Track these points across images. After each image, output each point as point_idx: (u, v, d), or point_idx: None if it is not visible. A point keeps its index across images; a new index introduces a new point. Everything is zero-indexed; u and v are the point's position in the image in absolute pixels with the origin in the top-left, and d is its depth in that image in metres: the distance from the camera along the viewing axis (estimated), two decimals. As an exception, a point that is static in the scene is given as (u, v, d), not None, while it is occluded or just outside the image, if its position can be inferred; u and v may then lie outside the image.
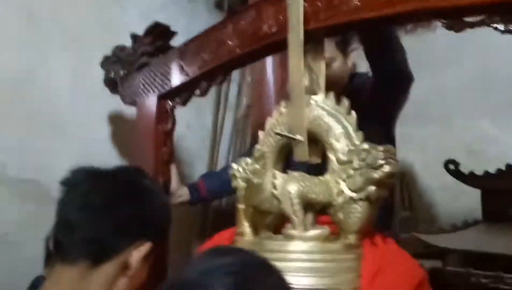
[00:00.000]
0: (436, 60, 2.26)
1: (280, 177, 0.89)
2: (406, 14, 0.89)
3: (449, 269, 1.21)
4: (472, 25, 0.84)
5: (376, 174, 0.82)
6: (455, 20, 0.85)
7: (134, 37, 1.55)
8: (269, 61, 1.86)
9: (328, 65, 1.41)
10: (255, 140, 1.84)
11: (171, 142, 1.43)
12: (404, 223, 1.85)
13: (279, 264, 0.67)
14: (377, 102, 1.29)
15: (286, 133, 0.95)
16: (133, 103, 1.53)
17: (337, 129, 0.91)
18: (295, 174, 0.89)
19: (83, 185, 0.88)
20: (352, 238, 0.85)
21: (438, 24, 0.88)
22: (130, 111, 1.75)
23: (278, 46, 1.09)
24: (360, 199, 0.84)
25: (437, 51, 2.26)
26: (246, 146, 2.20)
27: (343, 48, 1.47)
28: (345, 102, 0.93)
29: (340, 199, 0.87)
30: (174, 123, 1.43)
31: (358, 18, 0.93)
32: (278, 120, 1.02)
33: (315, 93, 0.97)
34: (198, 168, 2.28)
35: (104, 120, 1.96)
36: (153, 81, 1.44)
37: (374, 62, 1.28)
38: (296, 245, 0.83)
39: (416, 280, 0.79)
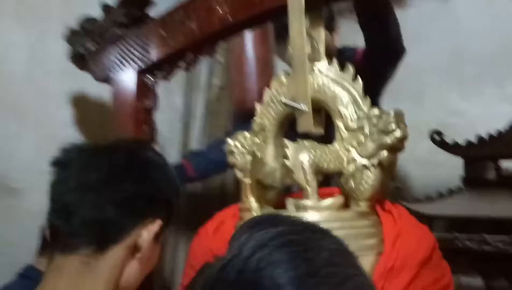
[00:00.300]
0: (407, 38, 2.31)
1: (291, 147, 0.86)
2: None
3: (436, 235, 1.25)
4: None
5: (389, 139, 0.82)
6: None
7: (106, 8, 1.46)
8: (248, 38, 1.82)
9: None
10: (238, 118, 1.83)
11: (153, 120, 1.37)
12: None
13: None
14: (368, 74, 1.29)
15: (292, 103, 0.92)
16: (106, 79, 1.44)
17: (344, 96, 0.89)
18: (306, 142, 0.87)
19: (77, 162, 0.81)
20: (363, 206, 0.84)
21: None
22: (97, 89, 1.67)
23: (274, 13, 1.06)
24: (373, 166, 0.84)
25: (408, 30, 2.31)
26: (221, 128, 2.16)
27: (329, 24, 1.48)
28: (350, 68, 0.91)
29: (351, 167, 0.86)
30: (156, 100, 1.37)
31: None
32: (279, 91, 0.99)
33: (317, 61, 0.95)
34: (168, 152, 2.21)
35: (67, 101, 1.85)
36: (130, 55, 1.36)
37: (369, 32, 1.28)
38: (311, 216, 0.81)
39: (432, 242, 0.80)
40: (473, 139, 1.51)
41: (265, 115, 1.01)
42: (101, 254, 0.76)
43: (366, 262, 0.74)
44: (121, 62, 1.39)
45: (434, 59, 2.28)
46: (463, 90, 2.21)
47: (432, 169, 2.06)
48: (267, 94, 1.01)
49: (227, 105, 2.07)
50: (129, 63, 1.37)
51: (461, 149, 1.48)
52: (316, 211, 0.83)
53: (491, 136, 1.51)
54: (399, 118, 0.83)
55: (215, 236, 0.88)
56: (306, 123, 0.93)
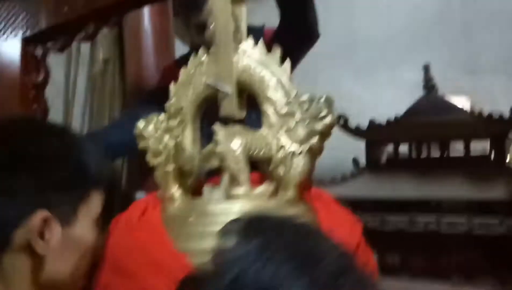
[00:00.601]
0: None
1: (221, 132, 0.81)
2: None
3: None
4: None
5: (320, 125, 0.81)
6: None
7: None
8: (145, 10, 1.70)
9: None
10: (136, 97, 1.71)
11: (44, 97, 1.20)
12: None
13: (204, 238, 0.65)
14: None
15: (217, 84, 0.86)
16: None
17: (271, 80, 0.86)
18: (237, 128, 0.83)
19: None
20: (293, 193, 0.83)
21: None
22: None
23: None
24: (302, 152, 0.82)
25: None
26: (106, 106, 2.00)
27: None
28: (277, 51, 0.88)
29: (280, 154, 0.83)
30: (47, 74, 1.20)
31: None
32: (198, 70, 0.92)
33: (239, 42, 0.91)
34: None
35: None
36: (14, 19, 1.18)
37: (288, 14, 1.26)
38: (242, 204, 0.78)
39: (360, 228, 0.82)
40: (366, 122, 1.62)
41: (182, 96, 0.93)
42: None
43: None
44: (3, 28, 1.19)
45: (328, 43, 2.38)
46: (355, 74, 2.34)
47: (329, 152, 2.16)
48: (184, 73, 0.94)
49: (113, 81, 1.92)
50: (13, 30, 1.18)
51: (363, 132, 1.56)
52: (247, 199, 0.79)
53: (389, 121, 1.62)
54: (329, 103, 0.83)
55: (140, 226, 0.81)
56: (230, 107, 0.88)
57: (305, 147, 0.82)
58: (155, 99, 1.53)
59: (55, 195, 0.68)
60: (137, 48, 1.69)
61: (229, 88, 0.87)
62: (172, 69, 1.55)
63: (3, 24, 1.18)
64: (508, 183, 1.45)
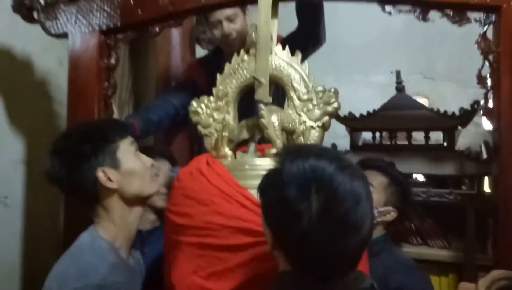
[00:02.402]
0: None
1: (265, 110, 0.99)
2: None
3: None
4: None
5: (330, 108, 1.01)
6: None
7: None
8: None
9: (232, 21, 1.53)
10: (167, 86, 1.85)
11: (114, 77, 1.35)
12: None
13: (259, 179, 0.80)
14: None
15: (257, 77, 1.04)
16: (61, 35, 1.37)
17: (295, 75, 1.05)
18: (273, 107, 1.01)
19: None
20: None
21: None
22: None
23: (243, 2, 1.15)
24: (318, 127, 1.02)
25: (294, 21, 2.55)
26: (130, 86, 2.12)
27: (243, 7, 1.59)
28: (298, 53, 1.07)
29: (301, 127, 1.03)
30: (117, 59, 1.35)
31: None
32: (241, 66, 1.09)
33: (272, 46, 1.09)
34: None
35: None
36: (93, 15, 1.32)
37: (305, 22, 1.42)
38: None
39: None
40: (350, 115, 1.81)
41: (228, 84, 1.10)
42: None
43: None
44: (81, 21, 1.33)
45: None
46: (336, 75, 2.52)
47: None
48: (228, 67, 1.12)
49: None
50: (91, 23, 1.32)
51: (349, 121, 1.75)
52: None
53: (368, 113, 1.81)
54: (336, 94, 1.02)
55: (210, 171, 1.00)
56: (263, 94, 1.06)
57: (319, 123, 1.02)
58: (182, 89, 1.70)
59: (100, 157, 0.99)
60: (167, 42, 1.83)
61: (263, 80, 1.05)
62: (195, 66, 1.72)
63: (85, 18, 1.32)
64: (456, 163, 1.66)
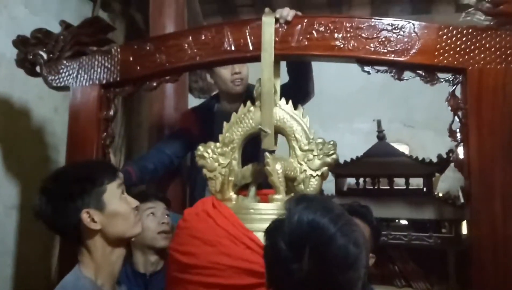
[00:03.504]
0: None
1: (270, 158, 1.16)
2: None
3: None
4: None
5: (330, 159, 1.19)
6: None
7: (66, 25, 1.54)
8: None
9: (244, 79, 1.71)
10: (161, 135, 2.00)
11: (111, 128, 1.50)
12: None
13: (263, 222, 0.95)
14: None
15: (264, 128, 1.22)
16: (62, 88, 1.52)
17: (298, 126, 1.24)
18: (277, 156, 1.19)
19: None
20: (308, 203, 1.19)
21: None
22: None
23: (236, 60, 1.35)
24: (317, 176, 1.19)
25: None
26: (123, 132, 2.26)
27: None
28: (300, 108, 1.26)
29: (302, 176, 1.20)
30: (116, 111, 1.50)
31: (304, 53, 1.29)
32: (247, 116, 1.27)
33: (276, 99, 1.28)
34: (62, 153, 2.22)
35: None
36: (94, 70, 1.48)
37: (295, 80, 1.63)
38: (279, 205, 1.13)
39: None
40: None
41: (234, 131, 1.28)
42: None
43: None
44: (83, 75, 1.49)
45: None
46: (322, 123, 2.75)
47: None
48: (235, 117, 1.29)
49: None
50: (92, 77, 1.48)
51: (335, 168, 1.94)
52: (282, 203, 1.14)
53: (352, 160, 2.03)
54: (335, 146, 1.21)
55: (216, 214, 1.13)
56: (269, 143, 1.24)
57: (319, 172, 1.19)
58: (175, 138, 1.85)
59: (85, 199, 1.05)
60: (161, 92, 2.01)
61: (269, 130, 1.23)
62: (190, 115, 1.88)
63: (86, 73, 1.48)
64: (435, 208, 1.86)
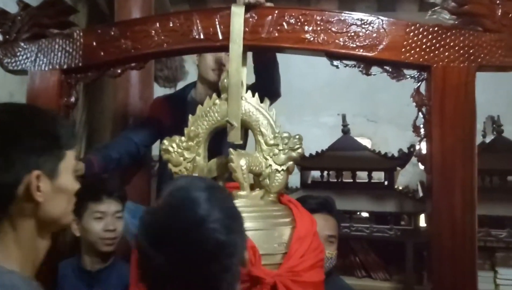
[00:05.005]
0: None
1: (234, 153, 1.13)
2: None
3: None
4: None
5: (295, 154, 1.17)
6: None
7: (24, 5, 1.44)
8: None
9: (223, 71, 1.66)
10: (124, 118, 1.93)
11: (72, 115, 1.42)
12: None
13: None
14: None
15: (231, 121, 1.19)
16: (19, 71, 1.43)
17: (264, 120, 1.21)
18: (242, 151, 1.16)
19: None
20: (274, 197, 1.17)
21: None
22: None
23: (204, 50, 1.31)
24: (282, 170, 1.17)
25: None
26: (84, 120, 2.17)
27: None
28: (267, 100, 1.24)
29: (267, 170, 1.17)
30: (77, 97, 1.42)
31: (274, 45, 1.27)
32: (212, 109, 1.24)
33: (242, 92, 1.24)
34: None
35: None
36: (55, 54, 1.39)
37: (263, 79, 1.59)
38: (244, 202, 1.10)
39: (315, 221, 1.17)
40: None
41: (199, 125, 1.24)
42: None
43: (286, 232, 1.07)
44: (42, 59, 1.40)
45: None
46: (288, 116, 2.76)
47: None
48: (200, 109, 1.25)
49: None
50: (52, 62, 1.39)
51: (300, 160, 1.94)
52: (248, 199, 1.12)
53: (317, 153, 2.03)
54: (300, 140, 1.19)
55: None
56: (236, 136, 1.21)
57: (284, 167, 1.17)
58: (144, 126, 1.78)
59: (41, 158, 0.80)
60: (126, 80, 1.93)
61: (236, 123, 1.20)
62: (162, 103, 1.81)
63: (45, 56, 1.39)
64: (396, 201, 1.91)
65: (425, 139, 1.24)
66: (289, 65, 2.74)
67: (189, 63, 2.56)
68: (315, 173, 2.16)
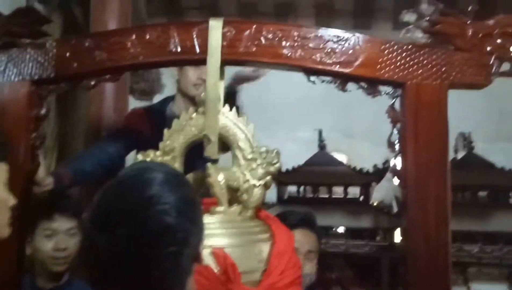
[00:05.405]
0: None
1: (211, 168, 1.12)
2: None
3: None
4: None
5: (273, 169, 1.17)
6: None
7: (-6, 13, 1.40)
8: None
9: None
10: (97, 131, 1.89)
11: (43, 128, 1.38)
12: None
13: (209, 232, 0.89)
14: None
15: (208, 135, 1.17)
16: (-13, 82, 1.38)
17: (241, 135, 1.20)
18: (219, 166, 1.14)
19: None
20: (251, 212, 1.16)
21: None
22: None
23: (181, 63, 1.29)
24: (260, 185, 1.16)
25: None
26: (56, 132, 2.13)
27: None
28: (244, 115, 1.23)
29: (245, 185, 1.16)
30: (48, 109, 1.38)
31: (251, 59, 1.27)
32: (188, 123, 1.22)
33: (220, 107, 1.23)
34: None
35: None
36: (25, 65, 1.35)
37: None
38: (222, 217, 1.09)
39: (293, 236, 1.16)
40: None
41: (175, 139, 1.22)
42: None
43: (265, 248, 1.06)
44: (13, 70, 1.36)
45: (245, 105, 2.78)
46: (264, 130, 2.74)
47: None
48: (176, 123, 1.23)
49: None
50: (22, 72, 1.35)
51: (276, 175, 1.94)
52: (225, 214, 1.10)
53: (294, 168, 2.04)
54: (278, 155, 1.19)
55: None
56: (212, 151, 1.19)
57: (262, 182, 1.16)
58: (120, 137, 1.74)
59: None
60: (100, 92, 1.90)
61: (213, 138, 1.19)
62: (139, 114, 1.78)
63: (15, 67, 1.34)
64: (371, 217, 1.93)
65: (399, 154, 1.26)
66: (266, 79, 2.77)
67: (166, 76, 2.54)
68: (292, 189, 2.16)
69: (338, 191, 2.14)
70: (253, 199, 1.16)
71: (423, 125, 1.21)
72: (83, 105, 2.09)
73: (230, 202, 1.18)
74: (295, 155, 2.23)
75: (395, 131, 1.26)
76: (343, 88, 1.30)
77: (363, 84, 1.28)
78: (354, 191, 2.14)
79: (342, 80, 1.28)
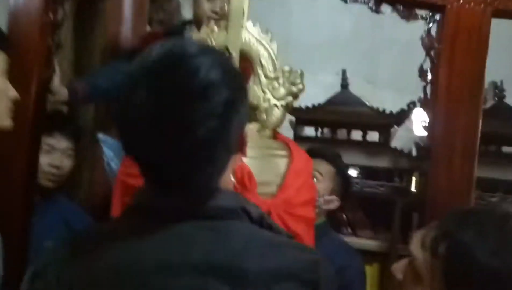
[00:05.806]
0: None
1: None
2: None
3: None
4: None
5: (295, 89, 1.11)
6: None
7: None
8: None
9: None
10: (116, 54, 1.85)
11: (58, 34, 1.34)
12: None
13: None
14: None
15: (229, 50, 1.11)
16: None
17: (265, 52, 1.14)
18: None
19: None
20: (269, 132, 1.12)
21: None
22: None
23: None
24: (281, 106, 1.12)
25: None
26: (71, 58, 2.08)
27: None
28: (269, 32, 1.17)
29: (265, 104, 1.11)
30: (65, 14, 1.34)
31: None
32: (210, 36, 1.16)
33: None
34: None
35: None
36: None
37: None
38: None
39: (311, 161, 1.13)
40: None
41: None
42: None
43: (283, 164, 1.03)
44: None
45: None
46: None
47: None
48: (196, 37, 1.18)
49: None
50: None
51: (296, 112, 1.89)
52: (245, 131, 1.07)
53: (314, 107, 1.98)
54: (302, 75, 1.13)
55: None
56: (233, 67, 1.14)
57: (283, 102, 1.11)
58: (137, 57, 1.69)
59: None
60: (118, 21, 1.83)
61: (234, 52, 1.13)
62: (157, 36, 1.72)
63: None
64: (390, 158, 1.88)
65: (430, 85, 1.19)
66: (290, 21, 2.66)
67: (186, 10, 2.46)
68: (309, 131, 2.11)
69: (357, 135, 2.09)
70: (273, 119, 1.11)
71: (460, 54, 1.14)
72: (99, 32, 2.02)
73: (249, 120, 1.14)
74: (314, 98, 2.16)
75: (428, 59, 1.19)
76: (377, 10, 1.21)
77: (398, 5, 1.19)
78: (373, 136, 2.08)
79: (376, 0, 1.19)
